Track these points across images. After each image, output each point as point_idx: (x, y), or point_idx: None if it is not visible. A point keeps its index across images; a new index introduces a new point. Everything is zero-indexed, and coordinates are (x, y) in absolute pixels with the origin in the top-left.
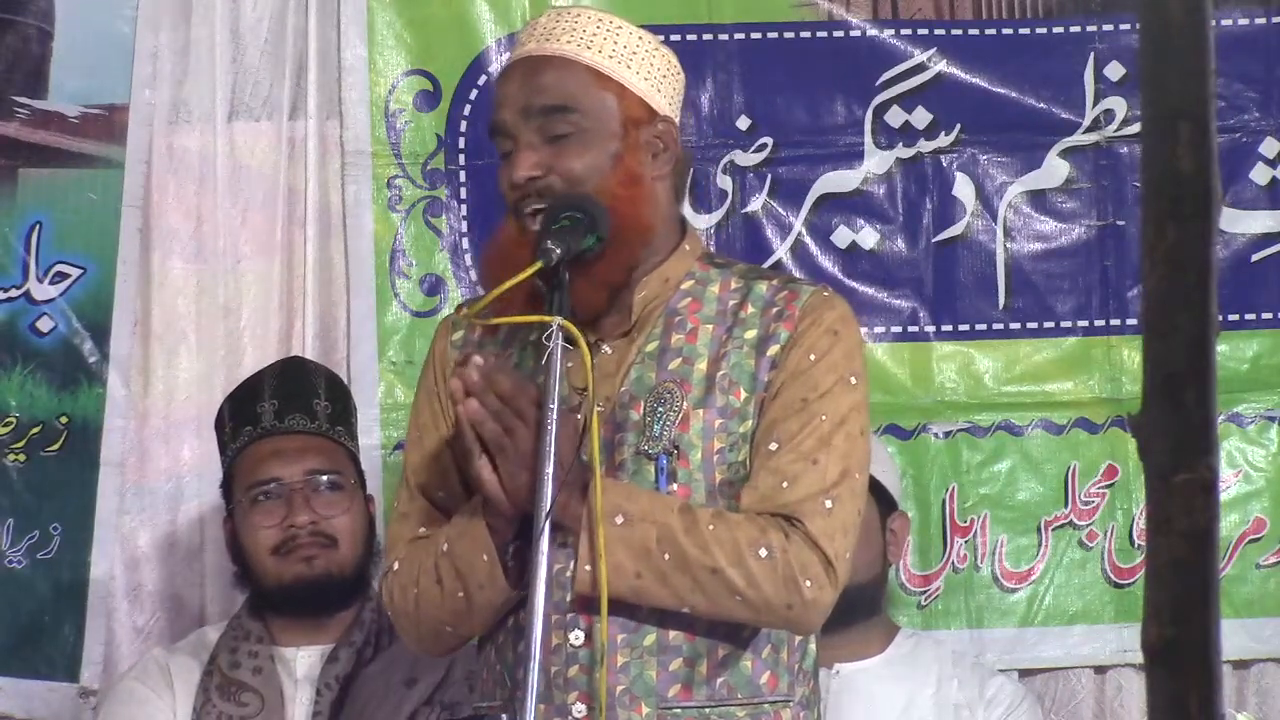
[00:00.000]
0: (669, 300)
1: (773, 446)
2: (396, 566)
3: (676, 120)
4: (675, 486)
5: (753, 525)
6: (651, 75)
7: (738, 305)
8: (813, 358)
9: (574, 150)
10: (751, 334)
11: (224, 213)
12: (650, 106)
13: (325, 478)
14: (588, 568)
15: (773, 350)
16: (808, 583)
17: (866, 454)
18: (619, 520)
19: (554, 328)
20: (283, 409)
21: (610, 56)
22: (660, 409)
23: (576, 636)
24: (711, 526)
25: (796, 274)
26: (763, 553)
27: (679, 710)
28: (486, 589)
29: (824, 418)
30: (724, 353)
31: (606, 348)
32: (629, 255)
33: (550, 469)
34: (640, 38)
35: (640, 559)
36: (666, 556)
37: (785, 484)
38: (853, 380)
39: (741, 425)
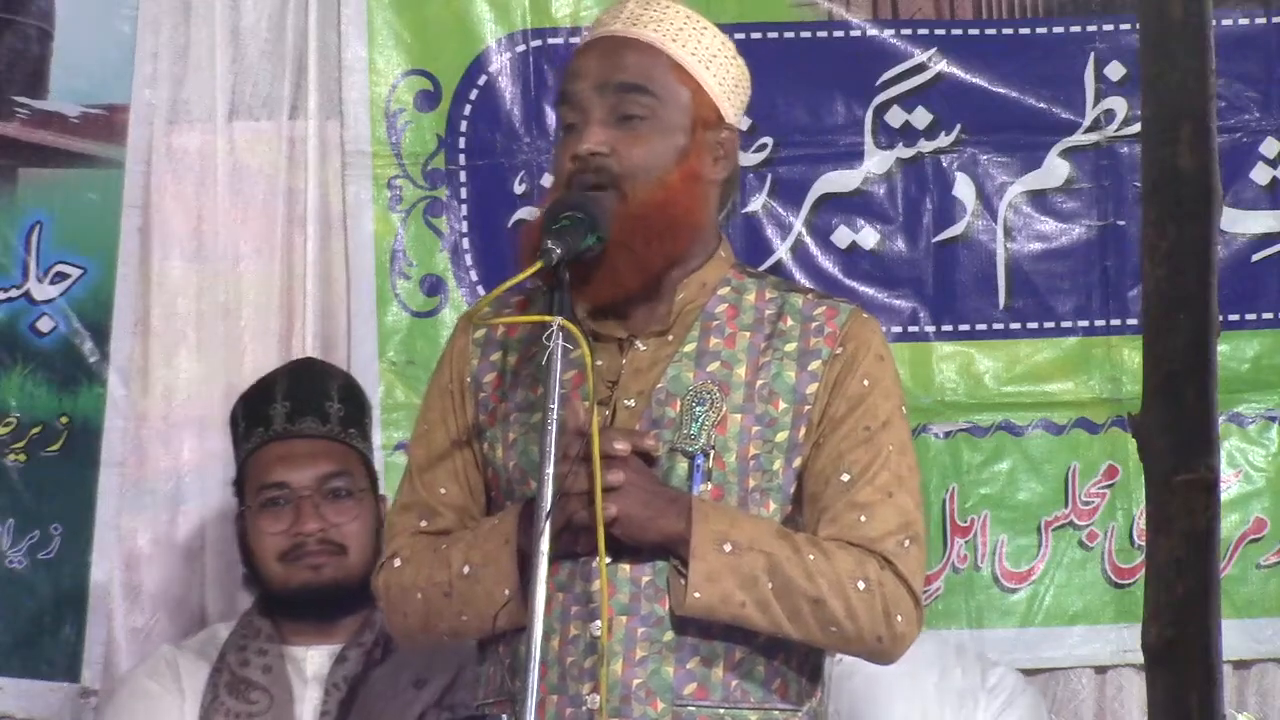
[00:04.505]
0: (705, 304)
1: (845, 478)
2: (398, 564)
3: (738, 132)
4: (708, 486)
5: (849, 556)
6: (725, 82)
7: (775, 316)
8: (866, 384)
9: (642, 135)
10: (792, 346)
11: (224, 213)
12: (720, 112)
13: (335, 484)
14: (697, 595)
15: (814, 365)
16: (899, 618)
17: (920, 481)
18: (727, 548)
19: (554, 328)
20: (294, 412)
21: (693, 54)
22: (698, 409)
23: (596, 627)
24: (812, 556)
25: (797, 274)
26: (861, 585)
27: (694, 708)
28: (500, 619)
29: (891, 448)
30: (764, 362)
31: (640, 344)
32: (677, 247)
33: (550, 469)
34: (723, 43)
35: (747, 588)
36: (771, 585)
37: (863, 518)
38: (903, 409)
39: (778, 435)
